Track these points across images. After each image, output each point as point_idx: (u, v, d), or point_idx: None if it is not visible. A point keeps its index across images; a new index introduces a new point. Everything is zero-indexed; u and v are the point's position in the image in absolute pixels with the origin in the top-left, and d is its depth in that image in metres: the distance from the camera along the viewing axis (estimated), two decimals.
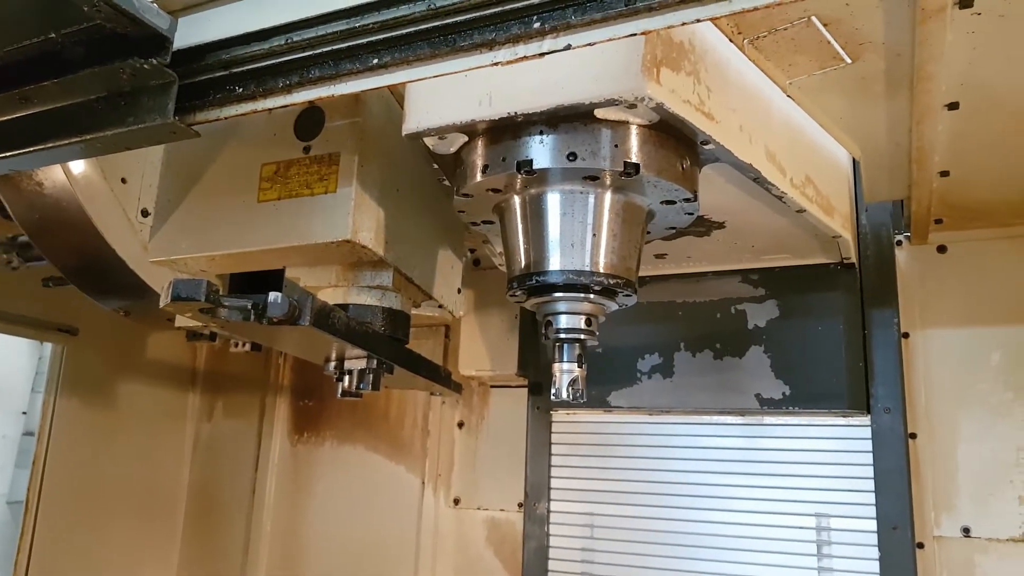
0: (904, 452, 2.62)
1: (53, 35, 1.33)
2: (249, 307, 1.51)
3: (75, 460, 3.58)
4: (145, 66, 1.33)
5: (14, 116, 1.50)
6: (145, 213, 2.19)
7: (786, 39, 1.67)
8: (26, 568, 3.36)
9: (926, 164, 2.14)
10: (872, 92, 1.85)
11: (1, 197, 2.19)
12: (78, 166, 2.08)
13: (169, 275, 2.05)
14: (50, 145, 1.48)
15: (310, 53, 1.30)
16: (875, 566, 2.59)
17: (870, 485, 2.65)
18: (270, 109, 1.36)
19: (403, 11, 1.22)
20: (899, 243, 2.82)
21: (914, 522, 2.59)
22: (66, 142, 1.46)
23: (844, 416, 2.72)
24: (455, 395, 3.28)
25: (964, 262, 2.77)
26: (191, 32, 1.38)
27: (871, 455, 2.67)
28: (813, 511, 2.73)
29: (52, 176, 2.07)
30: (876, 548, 2.60)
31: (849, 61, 1.72)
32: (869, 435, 2.68)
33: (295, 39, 1.31)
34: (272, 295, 1.52)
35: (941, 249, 2.81)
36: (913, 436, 2.69)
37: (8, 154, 1.53)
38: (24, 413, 5.85)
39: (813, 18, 1.59)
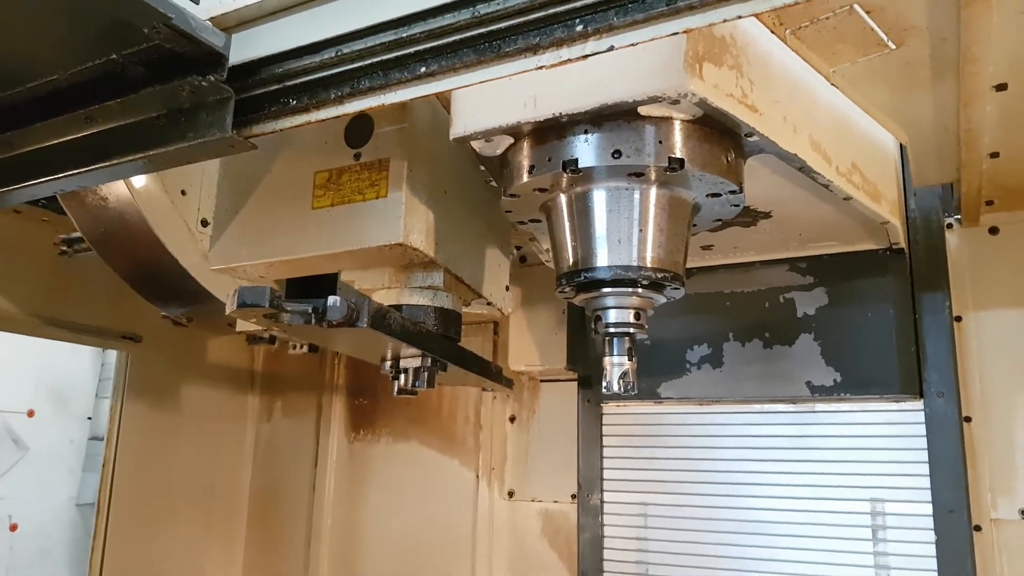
0: (959, 436, 2.59)
1: (115, 56, 1.38)
2: (310, 311, 1.57)
3: (142, 463, 3.70)
4: (203, 83, 1.38)
5: (80, 135, 1.56)
6: (205, 223, 2.26)
7: (828, 28, 1.67)
8: (100, 568, 3.48)
9: (975, 146, 2.11)
10: (917, 77, 1.84)
11: (67, 211, 2.29)
12: (140, 180, 2.16)
13: (229, 282, 2.12)
14: (114, 162, 1.53)
15: (360, 64, 1.33)
16: (931, 549, 2.57)
17: (925, 469, 2.63)
18: (323, 120, 1.40)
19: (448, 20, 1.24)
20: (949, 226, 2.78)
21: (970, 505, 2.56)
22: (129, 158, 1.51)
23: (896, 401, 2.70)
24: (506, 390, 3.32)
25: (1017, 243, 2.72)
26: (245, 48, 1.42)
27: (925, 439, 2.64)
28: (867, 496, 2.71)
29: (115, 191, 2.16)
30: (932, 532, 2.58)
31: (893, 47, 1.71)
32: (923, 420, 2.65)
33: (345, 51, 1.34)
34: (331, 299, 1.57)
35: (993, 231, 2.76)
36: (968, 420, 2.65)
37: (75, 172, 1.59)
38: (89, 418, 6.04)
39: (855, 6, 1.58)
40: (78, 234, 2.56)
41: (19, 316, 3.25)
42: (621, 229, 1.67)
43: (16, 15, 1.29)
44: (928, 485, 2.61)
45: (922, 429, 2.65)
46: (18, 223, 3.17)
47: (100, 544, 3.51)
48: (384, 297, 2.03)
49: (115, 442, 3.60)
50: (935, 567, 2.56)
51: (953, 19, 1.57)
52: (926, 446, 2.63)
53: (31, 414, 5.69)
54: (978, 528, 2.58)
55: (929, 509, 2.60)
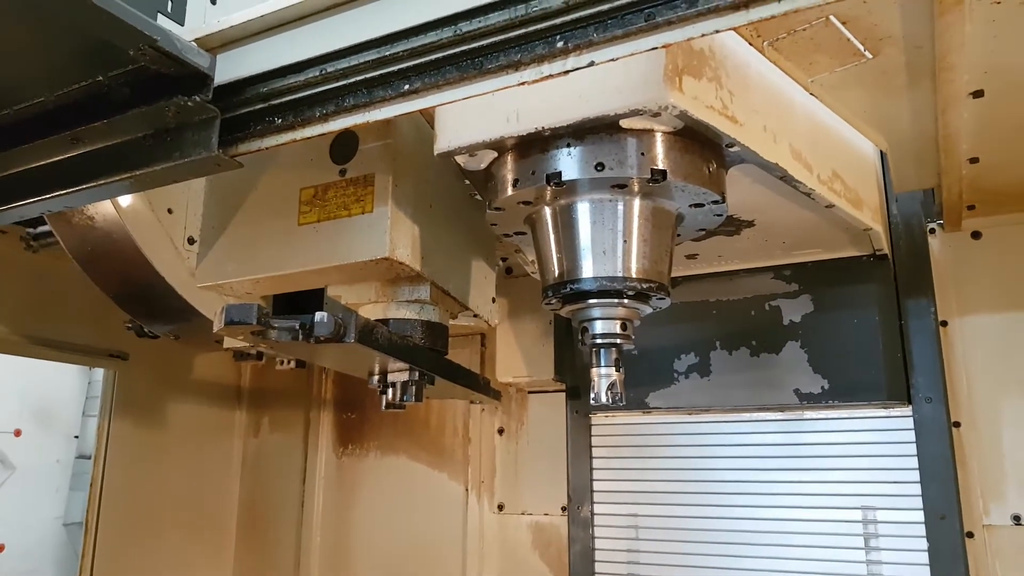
0: (948, 441, 2.60)
1: (101, 78, 1.39)
2: (297, 327, 1.57)
3: (130, 481, 3.68)
4: (188, 103, 1.39)
5: (66, 156, 1.56)
6: (191, 241, 2.26)
7: (805, 39, 1.69)
8: None
9: (954, 152, 2.14)
10: (894, 84, 1.87)
11: (54, 230, 2.29)
12: (126, 199, 2.16)
13: (216, 299, 2.12)
14: (101, 182, 1.53)
15: (344, 82, 1.35)
16: (924, 557, 2.57)
17: (915, 476, 2.63)
18: (308, 138, 1.41)
19: (431, 38, 1.26)
20: (932, 231, 2.81)
21: (962, 511, 2.56)
22: (116, 178, 1.51)
23: (885, 407, 2.71)
24: (494, 402, 3.33)
25: (999, 247, 2.74)
26: (230, 68, 1.44)
27: (914, 445, 2.65)
28: (859, 504, 2.72)
29: (102, 210, 2.16)
30: (924, 539, 2.58)
31: (869, 56, 1.74)
32: (911, 425, 2.66)
33: (329, 70, 1.36)
34: (319, 315, 1.58)
35: (975, 235, 2.79)
36: (957, 425, 2.67)
37: (62, 192, 1.60)
38: (76, 437, 5.99)
39: (831, 17, 1.61)
40: (46, 228, 2.54)
41: (5, 335, 3.24)
42: (605, 240, 1.68)
43: (2, 38, 1.30)
44: (919, 492, 2.61)
45: (911, 435, 2.66)
46: (3, 242, 3.16)
47: (88, 564, 3.49)
48: (371, 311, 2.03)
49: (103, 460, 3.58)
50: (928, 575, 2.56)
51: (927, 28, 1.59)
52: (916, 452, 2.64)
53: (17, 433, 5.65)
54: (970, 535, 2.58)
55: (921, 516, 2.60)
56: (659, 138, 1.61)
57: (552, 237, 1.77)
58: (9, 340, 3.25)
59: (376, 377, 2.13)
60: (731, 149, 1.69)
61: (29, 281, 3.25)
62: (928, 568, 2.56)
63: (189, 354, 4.02)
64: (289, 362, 2.89)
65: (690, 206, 1.76)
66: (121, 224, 2.16)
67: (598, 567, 3.09)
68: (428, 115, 1.91)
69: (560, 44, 1.17)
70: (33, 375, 5.62)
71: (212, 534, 4.10)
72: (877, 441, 2.72)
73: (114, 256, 2.23)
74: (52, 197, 1.61)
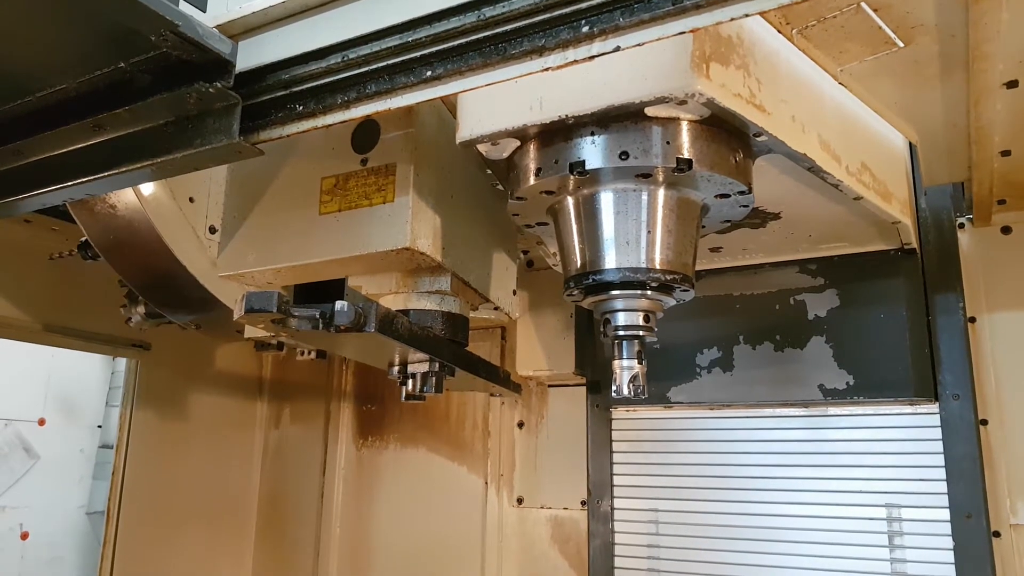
0: (975, 439, 2.56)
1: (123, 65, 1.39)
2: (317, 316, 1.57)
3: (152, 470, 3.71)
4: (210, 90, 1.38)
5: (88, 143, 1.57)
6: (213, 230, 2.27)
7: (835, 27, 1.65)
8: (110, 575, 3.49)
9: (986, 144, 2.10)
10: (926, 75, 1.82)
11: (77, 219, 2.30)
12: (148, 188, 2.17)
13: (237, 289, 2.12)
14: (123, 169, 1.54)
15: (366, 69, 1.34)
16: (949, 556, 2.53)
17: (941, 474, 2.59)
18: (329, 125, 1.40)
19: (454, 23, 1.24)
20: (961, 226, 2.75)
21: (989, 510, 2.51)
22: (138, 166, 1.52)
23: (911, 404, 2.67)
24: (514, 395, 3.31)
25: None
26: (252, 54, 1.43)
27: (941, 443, 2.60)
28: (883, 501, 2.68)
29: (124, 198, 2.16)
30: (950, 538, 2.54)
31: (901, 45, 1.69)
32: (938, 423, 2.62)
33: (351, 56, 1.34)
34: (339, 304, 1.57)
35: (1005, 230, 2.73)
36: (984, 422, 2.62)
37: (84, 180, 1.60)
38: (99, 427, 6.06)
39: (863, 4, 1.57)
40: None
41: (29, 325, 3.27)
42: (629, 231, 1.66)
43: (24, 25, 1.30)
44: (945, 490, 2.57)
45: (938, 432, 2.61)
46: (28, 232, 3.19)
47: (110, 552, 3.53)
48: (391, 302, 2.02)
49: (124, 450, 3.62)
50: (954, 574, 2.52)
51: (962, 16, 1.55)
52: (942, 450, 2.60)
53: (42, 423, 5.73)
54: (997, 534, 2.53)
55: (946, 514, 2.56)
56: (685, 127, 1.58)
57: (575, 227, 1.75)
58: (33, 329, 3.29)
59: (396, 368, 2.13)
60: (758, 139, 1.66)
61: (53, 270, 3.28)
62: (953, 567, 2.52)
63: (211, 345, 4.05)
64: (310, 353, 2.91)
65: (716, 197, 1.73)
66: (143, 213, 2.16)
67: (618, 562, 3.08)
68: (450, 104, 1.90)
69: (585, 29, 1.15)
70: (57, 365, 5.70)
71: (232, 524, 4.13)
72: (903, 438, 2.68)
73: (136, 245, 2.24)
74: (74, 185, 1.62)
